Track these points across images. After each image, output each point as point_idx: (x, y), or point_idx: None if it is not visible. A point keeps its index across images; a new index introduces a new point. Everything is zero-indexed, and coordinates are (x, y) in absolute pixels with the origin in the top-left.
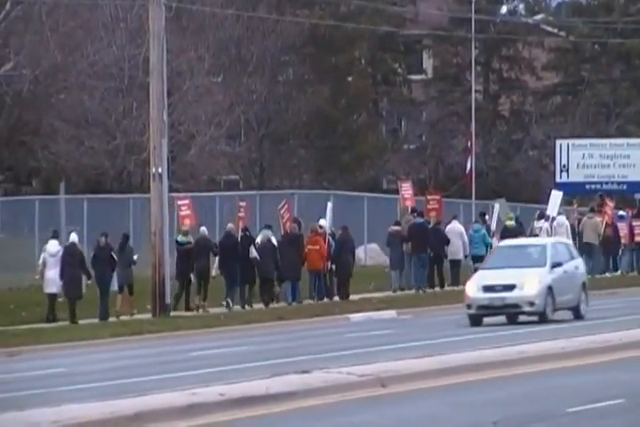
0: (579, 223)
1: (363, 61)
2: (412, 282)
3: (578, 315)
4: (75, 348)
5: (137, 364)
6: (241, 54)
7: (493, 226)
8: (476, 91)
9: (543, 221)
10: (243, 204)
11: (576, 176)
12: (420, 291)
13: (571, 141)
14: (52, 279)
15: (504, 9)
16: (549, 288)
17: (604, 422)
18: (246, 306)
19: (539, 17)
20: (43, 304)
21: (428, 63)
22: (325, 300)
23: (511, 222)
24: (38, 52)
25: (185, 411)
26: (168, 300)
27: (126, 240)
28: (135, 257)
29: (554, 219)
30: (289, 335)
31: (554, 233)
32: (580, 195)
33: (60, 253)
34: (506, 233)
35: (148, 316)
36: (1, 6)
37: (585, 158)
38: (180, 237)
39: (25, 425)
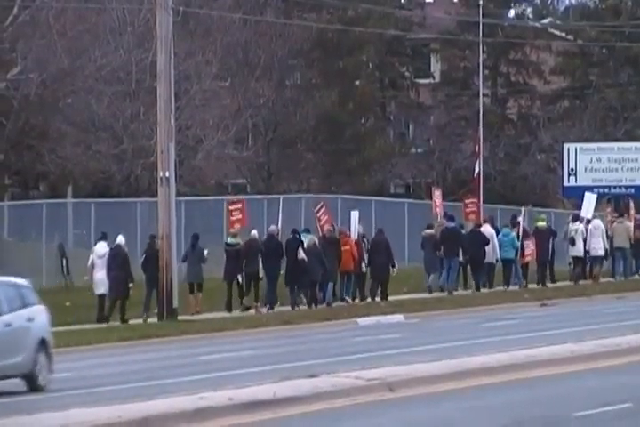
0: (611, 226)
1: (370, 65)
2: (442, 285)
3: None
4: (82, 352)
5: (145, 368)
6: (248, 58)
7: (521, 231)
8: (483, 95)
9: (578, 223)
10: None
11: (584, 180)
12: (451, 293)
13: (578, 145)
14: (101, 280)
15: (512, 13)
16: None
17: (613, 426)
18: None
19: (546, 21)
20: (50, 308)
21: (435, 67)
22: (357, 301)
23: (543, 224)
24: (46, 56)
25: (193, 415)
26: (176, 304)
27: (196, 239)
28: (205, 253)
29: (589, 221)
30: (297, 339)
31: (590, 235)
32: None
33: (107, 255)
34: (538, 234)
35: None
36: (8, 11)
37: (593, 162)
38: (230, 239)
39: None
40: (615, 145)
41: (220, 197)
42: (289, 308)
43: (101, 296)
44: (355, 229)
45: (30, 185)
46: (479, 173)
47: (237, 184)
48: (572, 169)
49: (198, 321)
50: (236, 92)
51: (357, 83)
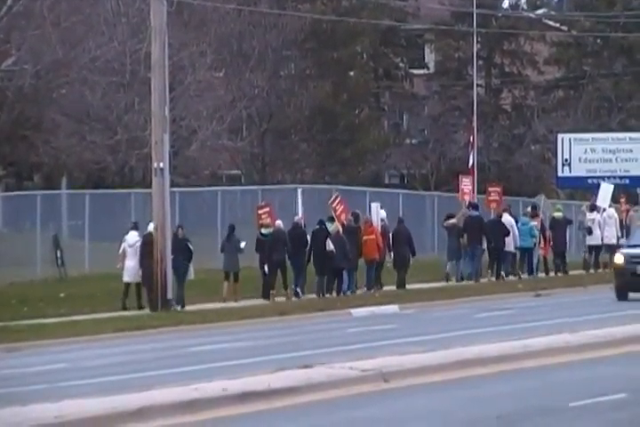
0: (626, 216)
1: (364, 56)
2: (463, 272)
3: None
4: (77, 343)
5: (139, 359)
6: (243, 49)
7: (543, 218)
8: (477, 85)
9: (595, 212)
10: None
11: (578, 170)
12: (472, 281)
13: (573, 136)
14: (131, 269)
15: (506, 3)
16: None
17: (608, 416)
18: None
19: (540, 11)
20: (45, 299)
21: (429, 57)
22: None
23: (559, 214)
24: (40, 47)
25: (188, 406)
26: (170, 295)
27: (232, 230)
28: (242, 245)
29: (604, 211)
30: (291, 330)
31: (604, 224)
32: (582, 189)
33: (139, 244)
34: (555, 224)
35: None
36: (3, 2)
37: (587, 153)
38: (264, 230)
39: (27, 420)
40: (609, 135)
41: (215, 188)
42: (314, 295)
43: (127, 284)
44: (376, 219)
45: (24, 176)
46: (473, 163)
47: (232, 175)
48: (567, 159)
49: (193, 312)
50: (231, 83)
51: (351, 73)
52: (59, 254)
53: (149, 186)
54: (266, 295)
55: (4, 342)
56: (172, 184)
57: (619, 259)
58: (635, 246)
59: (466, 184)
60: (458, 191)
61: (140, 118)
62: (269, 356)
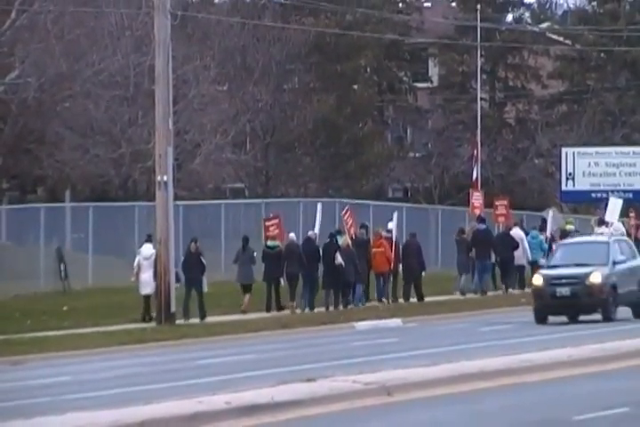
0: (637, 230)
1: (368, 70)
2: (473, 286)
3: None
4: (80, 356)
5: (142, 372)
6: (246, 62)
7: (548, 233)
8: (481, 99)
9: (604, 227)
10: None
11: (582, 184)
12: (481, 294)
13: (576, 150)
14: (147, 281)
15: (510, 17)
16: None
17: None
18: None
19: (544, 25)
20: (48, 312)
21: (433, 71)
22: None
23: (571, 226)
24: (44, 60)
25: (191, 419)
26: (173, 308)
27: (247, 241)
28: (255, 255)
29: (612, 225)
30: (294, 343)
31: None
32: (585, 203)
33: (154, 257)
34: (565, 237)
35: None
36: (6, 15)
37: (591, 167)
38: (270, 242)
39: None
40: (613, 149)
41: (218, 202)
42: (323, 309)
43: (147, 296)
44: (396, 230)
45: (28, 189)
46: (477, 177)
47: (235, 188)
48: (570, 173)
49: (196, 325)
50: (234, 97)
51: (355, 87)
52: (62, 267)
53: (153, 199)
54: (269, 308)
55: (8, 355)
56: (176, 197)
57: (537, 280)
58: (555, 267)
59: (476, 198)
60: (468, 205)
61: (144, 131)
62: (273, 369)
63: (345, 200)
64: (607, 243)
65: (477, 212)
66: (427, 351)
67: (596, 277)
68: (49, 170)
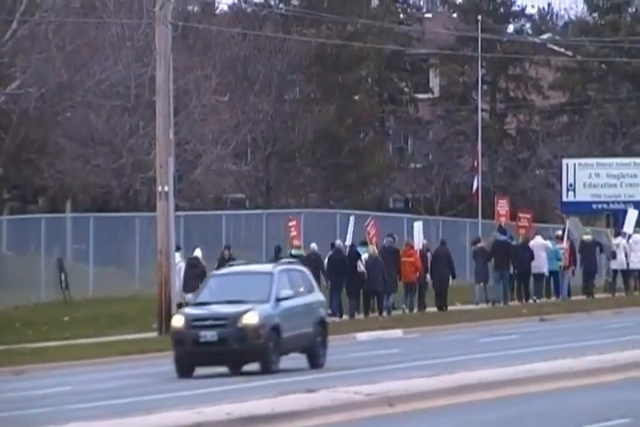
0: None
1: (369, 80)
2: (491, 296)
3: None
4: (81, 366)
5: (143, 382)
6: (247, 73)
7: (564, 244)
8: (482, 110)
9: (620, 238)
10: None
11: (583, 195)
12: (498, 304)
13: (577, 161)
14: (177, 290)
15: (511, 28)
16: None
17: None
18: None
19: (545, 36)
20: (49, 322)
21: (434, 82)
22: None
23: (588, 237)
24: (44, 70)
25: None
26: None
27: (279, 250)
28: None
29: (630, 236)
30: (295, 354)
31: (630, 250)
32: (586, 214)
33: (183, 266)
34: (585, 247)
35: None
36: (8, 25)
37: (591, 178)
38: (295, 251)
39: None
40: (614, 161)
41: (219, 212)
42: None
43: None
44: (419, 239)
45: (29, 199)
46: (478, 187)
47: (236, 199)
48: (571, 184)
49: None
50: (235, 107)
51: (356, 97)
52: (63, 278)
53: (154, 209)
54: None
55: (9, 366)
56: (177, 208)
57: (177, 321)
58: (202, 305)
59: (501, 206)
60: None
61: (145, 142)
62: (273, 380)
63: (345, 211)
64: (270, 273)
65: (503, 220)
66: (428, 362)
67: (251, 318)
68: (50, 180)
